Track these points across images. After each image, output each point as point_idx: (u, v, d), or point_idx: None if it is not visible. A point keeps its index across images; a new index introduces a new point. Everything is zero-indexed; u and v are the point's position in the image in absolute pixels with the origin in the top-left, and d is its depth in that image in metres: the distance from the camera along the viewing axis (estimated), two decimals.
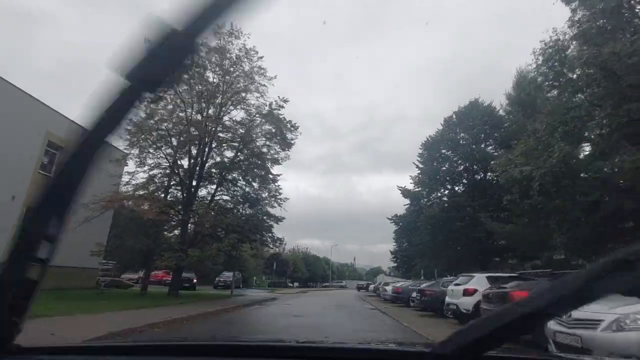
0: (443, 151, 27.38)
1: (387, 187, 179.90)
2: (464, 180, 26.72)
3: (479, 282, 9.78)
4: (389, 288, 21.75)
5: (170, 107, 18.94)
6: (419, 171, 29.54)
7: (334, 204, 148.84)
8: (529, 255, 20.20)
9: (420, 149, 30.29)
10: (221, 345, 1.30)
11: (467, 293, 9.62)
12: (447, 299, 10.80)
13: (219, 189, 21.09)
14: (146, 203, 17.33)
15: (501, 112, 26.48)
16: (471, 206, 22.80)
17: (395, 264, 56.59)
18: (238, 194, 21.44)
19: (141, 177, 19.29)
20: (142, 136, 17.75)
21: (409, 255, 51.10)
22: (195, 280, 28.58)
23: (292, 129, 22.35)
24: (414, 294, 15.65)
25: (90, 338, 5.91)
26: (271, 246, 21.82)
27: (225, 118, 20.62)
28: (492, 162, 16.11)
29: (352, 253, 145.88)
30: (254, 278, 40.90)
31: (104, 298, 15.55)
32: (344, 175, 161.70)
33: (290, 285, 60.00)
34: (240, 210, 21.45)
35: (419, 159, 30.06)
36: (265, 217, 21.48)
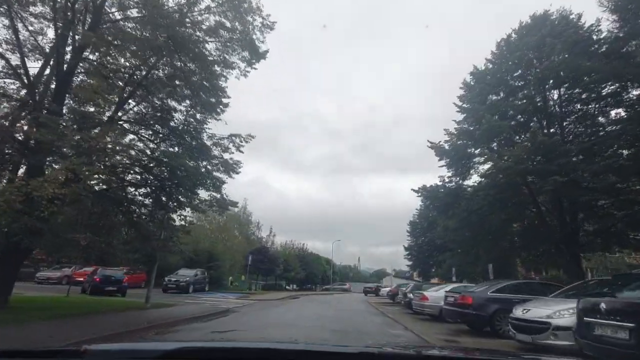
0: (510, 82, 17.65)
1: (389, 189, 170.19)
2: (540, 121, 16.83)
3: None
4: (433, 295, 12.03)
5: None
6: (463, 117, 19.83)
7: (335, 206, 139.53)
8: None
9: (462, 88, 20.60)
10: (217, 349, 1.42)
11: None
12: None
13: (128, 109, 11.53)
14: None
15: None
16: (576, 152, 13.05)
17: (410, 263, 46.99)
18: (161, 119, 11.86)
19: None
20: None
21: (430, 251, 41.45)
22: (125, 281, 19.00)
23: (264, 27, 12.97)
24: (550, 314, 6.07)
25: None
26: (214, 209, 12.08)
27: None
28: None
29: (355, 255, 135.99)
30: (230, 278, 31.31)
31: None
32: (345, 177, 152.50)
33: (287, 287, 50.39)
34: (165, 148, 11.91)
35: (459, 103, 20.38)
36: (205, 164, 11.90)
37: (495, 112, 16.03)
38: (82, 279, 22.29)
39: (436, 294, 12.03)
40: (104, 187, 10.34)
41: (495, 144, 18.51)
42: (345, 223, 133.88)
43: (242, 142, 12.73)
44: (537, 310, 6.44)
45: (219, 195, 11.95)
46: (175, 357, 1.26)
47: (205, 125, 12.66)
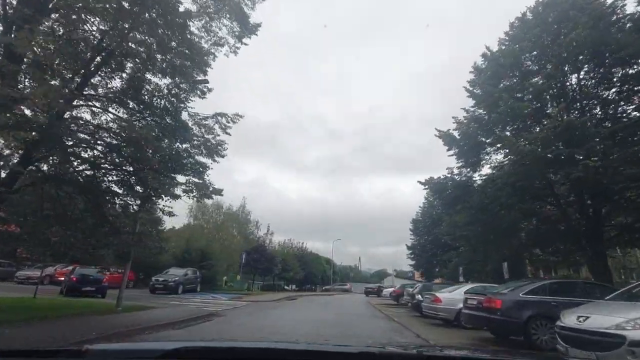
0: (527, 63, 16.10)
1: (390, 189, 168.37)
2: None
3: None
4: (447, 297, 10.45)
5: None
6: (473, 103, 18.32)
7: (335, 206, 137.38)
8: None
9: (472, 72, 19.10)
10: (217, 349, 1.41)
11: None
12: None
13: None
14: None
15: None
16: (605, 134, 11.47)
17: (413, 262, 45.39)
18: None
19: None
20: None
21: (433, 250, 39.82)
22: (105, 281, 17.55)
23: None
24: (621, 323, 4.49)
25: None
26: (192, 195, 10.42)
27: None
28: None
29: (355, 255, 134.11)
30: (224, 278, 29.71)
31: None
32: (345, 177, 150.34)
33: (286, 287, 48.87)
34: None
35: (469, 87, 18.84)
36: (186, 146, 10.41)
37: (512, 94, 14.45)
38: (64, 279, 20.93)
39: (451, 296, 10.47)
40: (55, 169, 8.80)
41: (507, 132, 17.00)
42: (346, 223, 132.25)
43: (228, 122, 11.23)
44: (600, 318, 4.88)
45: (200, 181, 10.41)
46: (176, 356, 1.25)
47: (187, 104, 11.16)
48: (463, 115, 18.63)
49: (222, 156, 10.73)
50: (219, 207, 48.52)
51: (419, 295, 13.44)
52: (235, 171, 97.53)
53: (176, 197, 9.75)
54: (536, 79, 16.05)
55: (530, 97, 14.74)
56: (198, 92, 11.40)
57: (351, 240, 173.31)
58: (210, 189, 10.37)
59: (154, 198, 10.58)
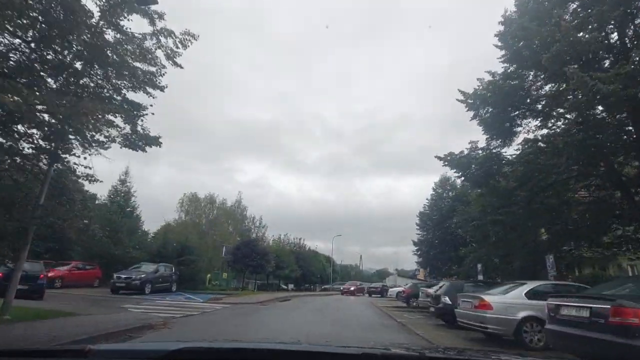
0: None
1: (390, 189, 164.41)
2: None
3: None
4: (500, 302, 6.76)
5: None
6: (504, 59, 14.90)
7: (336, 207, 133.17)
8: None
9: (501, 23, 15.53)
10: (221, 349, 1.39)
11: None
12: None
13: None
14: None
15: None
16: None
17: (419, 259, 41.85)
18: None
19: None
20: None
21: (442, 246, 36.38)
22: (43, 276, 14.11)
23: None
24: None
25: None
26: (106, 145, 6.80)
27: None
28: None
29: (356, 255, 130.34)
30: (208, 275, 26.13)
31: None
32: (346, 178, 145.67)
33: (284, 287, 45.42)
34: None
35: (498, 42, 15.36)
36: (102, 72, 6.88)
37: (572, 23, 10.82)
38: None
39: (506, 300, 6.90)
40: None
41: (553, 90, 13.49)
42: (347, 223, 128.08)
43: (176, 46, 7.68)
44: None
45: (127, 126, 6.89)
46: (178, 357, 1.24)
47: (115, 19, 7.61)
48: (488, 79, 15.19)
49: (160, 88, 7.22)
50: (212, 202, 45.56)
51: (446, 298, 9.89)
52: (236, 171, 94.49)
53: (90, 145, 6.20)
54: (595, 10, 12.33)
55: (595, 25, 10.97)
56: (138, 10, 7.88)
57: (352, 240, 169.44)
58: (141, 135, 6.84)
59: (60, 152, 7.05)
